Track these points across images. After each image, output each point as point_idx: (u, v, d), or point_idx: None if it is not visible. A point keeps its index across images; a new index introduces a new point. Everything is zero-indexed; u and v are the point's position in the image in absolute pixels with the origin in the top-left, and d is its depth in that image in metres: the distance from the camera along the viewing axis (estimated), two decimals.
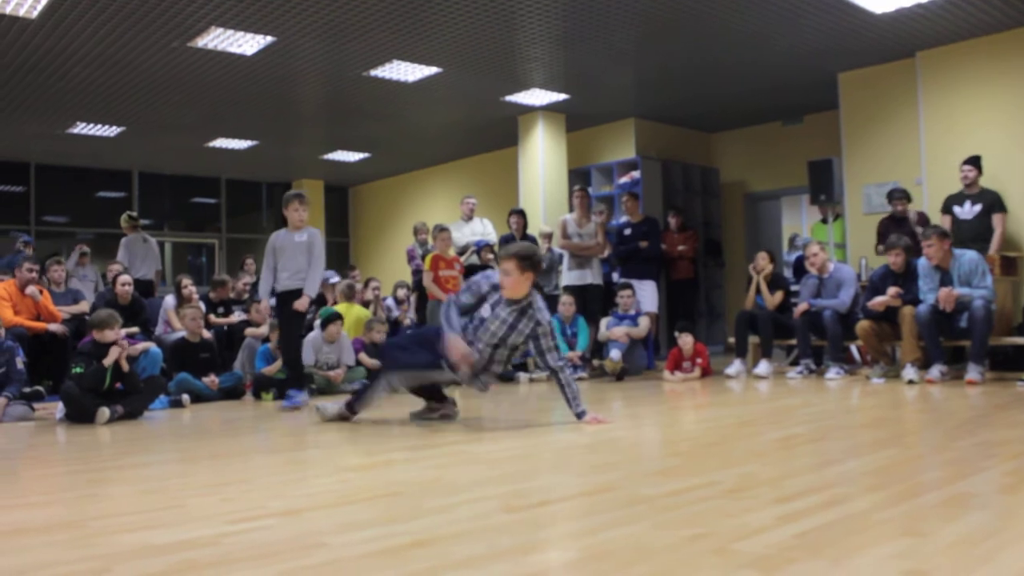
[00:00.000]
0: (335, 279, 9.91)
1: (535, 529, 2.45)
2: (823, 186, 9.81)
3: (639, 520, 2.48)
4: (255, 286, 10.08)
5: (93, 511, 2.88)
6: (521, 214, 9.36)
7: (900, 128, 9.48)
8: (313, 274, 6.46)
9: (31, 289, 7.54)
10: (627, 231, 9.63)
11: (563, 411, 5.64)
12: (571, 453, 3.86)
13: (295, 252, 6.41)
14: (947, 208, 8.12)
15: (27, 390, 6.38)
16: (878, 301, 7.18)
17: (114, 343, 5.87)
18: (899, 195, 8.46)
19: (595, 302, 8.84)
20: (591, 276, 8.87)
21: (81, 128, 11.49)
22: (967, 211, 7.92)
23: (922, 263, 7.03)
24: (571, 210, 9.65)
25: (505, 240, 9.37)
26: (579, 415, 4.85)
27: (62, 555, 2.30)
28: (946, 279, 6.87)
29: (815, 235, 9.91)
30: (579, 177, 12.00)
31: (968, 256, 6.86)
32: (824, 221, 9.81)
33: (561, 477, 3.32)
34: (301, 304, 6.36)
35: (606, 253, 9.72)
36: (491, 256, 9.41)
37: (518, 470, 3.50)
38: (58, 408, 5.88)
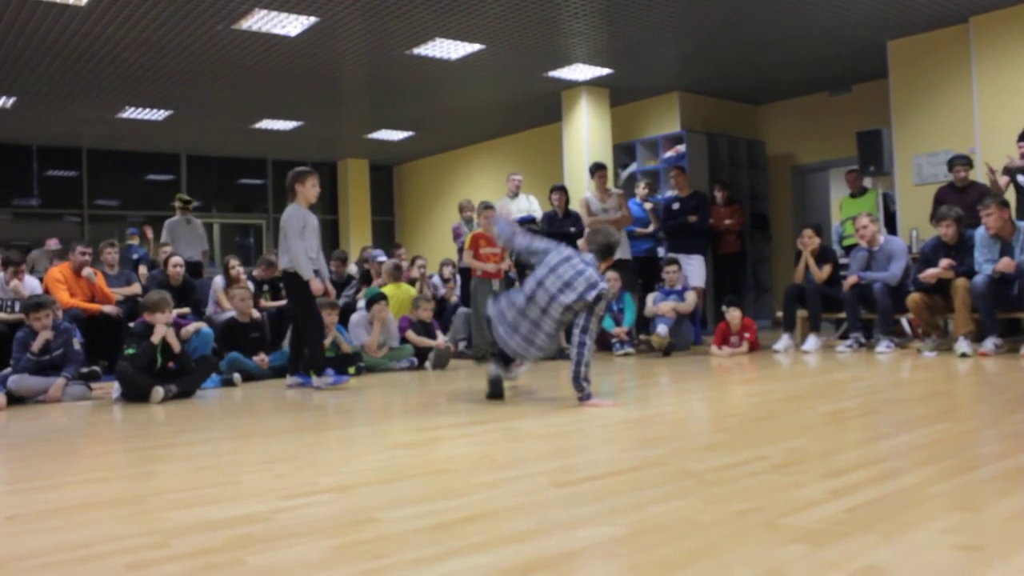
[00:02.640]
0: (382, 257, 9.97)
1: (584, 504, 2.46)
2: (872, 157, 9.64)
3: (688, 495, 2.48)
4: None
5: (150, 487, 2.95)
6: (563, 190, 9.32)
7: (952, 96, 9.25)
8: (322, 255, 6.46)
9: (87, 271, 7.71)
10: (675, 205, 9.55)
11: (609, 387, 5.65)
12: (619, 428, 3.87)
13: (316, 232, 6.31)
14: (1008, 174, 7.86)
15: (84, 370, 6.53)
16: (930, 273, 7.05)
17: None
18: (962, 161, 8.09)
19: (629, 276, 8.77)
20: (620, 252, 8.81)
21: (130, 112, 11.67)
22: None
23: (980, 233, 6.89)
24: (630, 189, 9.77)
25: (548, 217, 9.35)
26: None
27: (122, 530, 2.36)
28: (1007, 249, 6.73)
29: (845, 210, 9.72)
30: (624, 152, 11.93)
31: None
32: (853, 195, 9.64)
33: (609, 452, 3.33)
34: (329, 288, 6.41)
35: (651, 228, 9.67)
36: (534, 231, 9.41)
37: (566, 446, 3.51)
38: (114, 388, 6.02)
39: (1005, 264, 6.60)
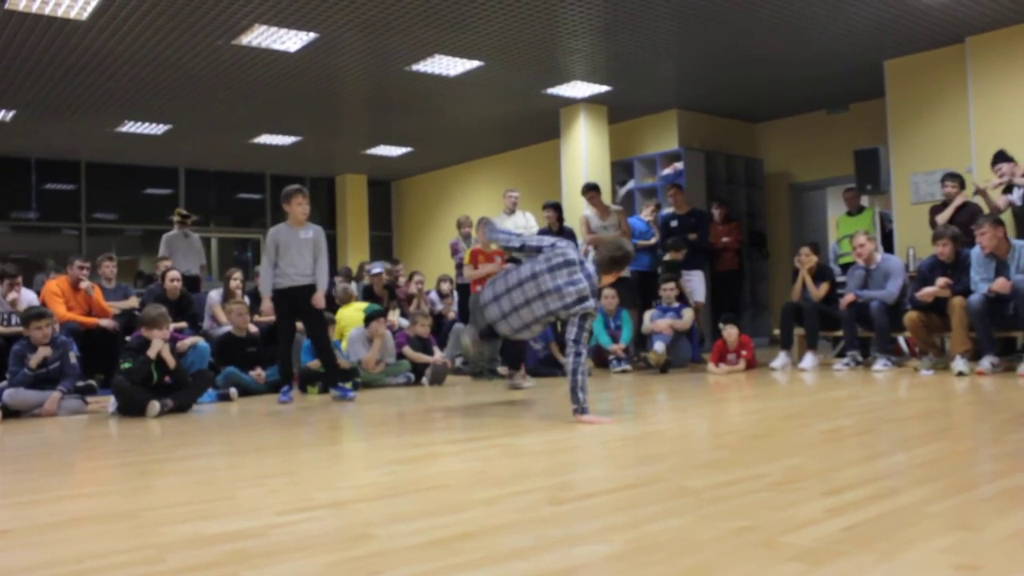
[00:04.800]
0: (378, 269, 9.96)
1: (581, 521, 2.45)
2: (870, 175, 9.67)
3: (685, 512, 2.47)
4: None
5: (146, 502, 2.94)
6: (555, 207, 9.32)
7: (949, 116, 9.30)
8: (323, 270, 6.53)
9: (85, 284, 7.70)
10: (673, 223, 9.56)
11: (607, 404, 5.64)
12: (616, 445, 3.86)
13: (301, 249, 6.41)
14: (1008, 191, 7.91)
15: (80, 384, 6.51)
16: (927, 292, 7.07)
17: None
18: (950, 179, 8.15)
19: (628, 292, 8.74)
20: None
21: (129, 126, 11.68)
22: (1016, 196, 7.75)
23: (975, 252, 6.90)
24: (628, 206, 9.75)
25: (542, 234, 9.36)
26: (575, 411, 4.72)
27: (117, 544, 2.35)
28: (1002, 268, 6.75)
29: (842, 228, 9.74)
30: (622, 169, 11.96)
31: None
32: (850, 213, 9.67)
33: (606, 469, 3.32)
34: (319, 300, 6.47)
35: (654, 241, 9.68)
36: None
37: (563, 462, 3.50)
38: (110, 402, 6.00)
39: (1000, 284, 6.61)
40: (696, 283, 9.21)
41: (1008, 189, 7.81)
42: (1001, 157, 7.85)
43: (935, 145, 9.39)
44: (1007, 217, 7.67)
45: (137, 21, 7.65)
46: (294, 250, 6.39)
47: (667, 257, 9.03)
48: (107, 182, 14.46)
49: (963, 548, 2.04)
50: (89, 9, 7.30)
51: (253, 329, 7.61)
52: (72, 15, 7.42)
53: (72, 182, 14.17)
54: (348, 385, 6.81)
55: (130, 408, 5.78)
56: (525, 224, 10.02)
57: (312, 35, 8.20)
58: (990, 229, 6.75)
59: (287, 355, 6.65)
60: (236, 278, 8.39)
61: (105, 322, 7.70)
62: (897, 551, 2.02)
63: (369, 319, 7.73)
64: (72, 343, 6.53)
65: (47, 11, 7.30)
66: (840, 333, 8.02)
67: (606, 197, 10.95)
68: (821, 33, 8.68)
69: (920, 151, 9.52)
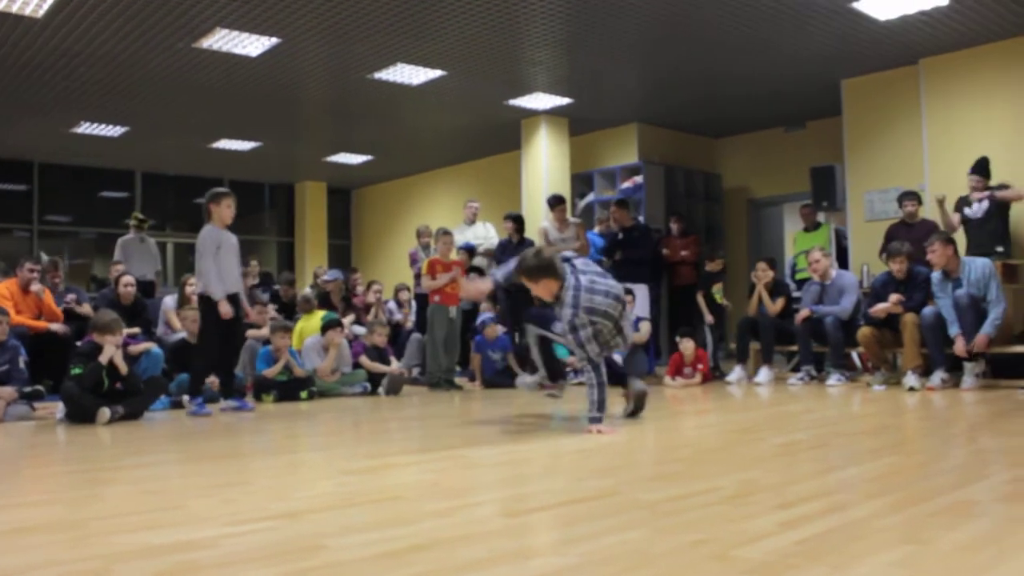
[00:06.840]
0: (330, 276, 9.87)
1: (535, 534, 2.44)
2: (825, 192, 9.81)
3: (639, 526, 2.47)
4: (256, 287, 10.06)
5: (93, 511, 2.88)
6: (516, 219, 9.34)
7: (903, 135, 9.47)
8: (241, 278, 6.44)
9: (36, 287, 7.56)
10: (620, 235, 9.57)
11: (563, 416, 5.64)
12: (571, 458, 3.86)
13: (233, 253, 6.26)
14: (958, 207, 8.04)
15: (27, 389, 6.38)
16: (880, 308, 7.19)
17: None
18: (910, 197, 8.33)
19: None
20: None
21: (85, 128, 11.51)
22: (975, 210, 7.87)
23: (934, 277, 7.01)
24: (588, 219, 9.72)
25: (502, 245, 9.35)
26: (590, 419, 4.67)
27: (62, 555, 2.30)
28: (956, 286, 6.87)
29: (798, 244, 9.86)
30: (582, 181, 12.01)
31: (979, 263, 6.87)
32: (807, 230, 9.79)
33: (561, 482, 3.31)
34: (249, 309, 6.51)
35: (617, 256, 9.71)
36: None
37: (517, 474, 3.49)
38: (58, 408, 5.88)
39: (980, 343, 6.68)
40: (639, 298, 9.18)
41: (968, 204, 7.91)
42: (981, 168, 7.90)
43: (889, 163, 9.56)
44: (959, 235, 7.81)
45: (95, 20, 7.55)
46: (232, 255, 6.23)
47: (708, 267, 9.08)
48: (61, 184, 14.23)
49: (913, 561, 2.06)
50: (45, 6, 7.19)
51: None
52: (27, 12, 7.30)
53: (24, 183, 13.92)
54: (247, 399, 6.72)
55: (79, 415, 5.66)
56: (485, 235, 10.03)
57: (274, 40, 8.14)
58: (940, 247, 6.88)
59: (209, 368, 6.31)
60: (191, 284, 8.27)
61: (56, 326, 7.56)
62: (848, 564, 2.04)
63: (325, 328, 7.67)
64: (20, 347, 6.40)
65: (1, 7, 7.17)
66: (795, 348, 8.12)
67: (567, 212, 10.99)
68: (781, 52, 8.80)
69: (875, 169, 9.68)
